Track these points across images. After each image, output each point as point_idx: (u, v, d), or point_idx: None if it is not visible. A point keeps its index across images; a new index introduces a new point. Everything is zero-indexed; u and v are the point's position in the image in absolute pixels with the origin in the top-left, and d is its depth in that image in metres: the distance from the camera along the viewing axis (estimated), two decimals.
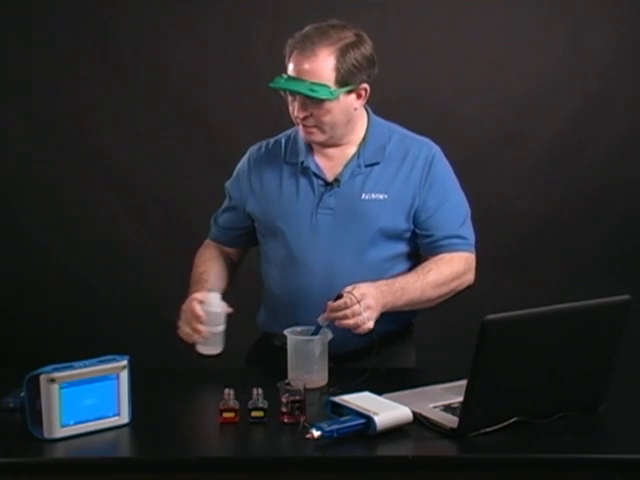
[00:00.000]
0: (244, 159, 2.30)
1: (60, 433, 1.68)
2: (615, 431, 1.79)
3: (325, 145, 2.16)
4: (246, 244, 2.36)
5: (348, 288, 1.96)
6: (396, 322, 2.18)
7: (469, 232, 2.20)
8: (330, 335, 2.00)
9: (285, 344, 2.14)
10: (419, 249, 2.21)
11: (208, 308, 2.04)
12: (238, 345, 2.34)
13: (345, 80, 2.05)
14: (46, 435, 1.68)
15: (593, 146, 3.44)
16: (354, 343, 2.06)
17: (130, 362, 1.77)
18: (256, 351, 2.31)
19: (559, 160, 3.44)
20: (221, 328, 2.07)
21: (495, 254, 3.44)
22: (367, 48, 2.10)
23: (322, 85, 2.03)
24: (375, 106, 3.16)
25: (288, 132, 2.27)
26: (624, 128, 3.43)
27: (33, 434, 1.69)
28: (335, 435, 1.63)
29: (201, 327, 2.03)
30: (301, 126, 2.12)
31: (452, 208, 2.19)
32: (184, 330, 2.07)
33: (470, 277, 2.19)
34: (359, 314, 1.93)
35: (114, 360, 1.76)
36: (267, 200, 2.19)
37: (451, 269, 2.14)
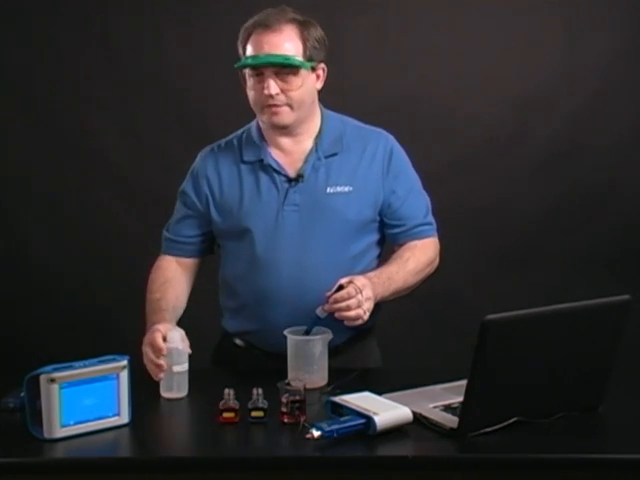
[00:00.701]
0: (197, 163, 2.25)
1: (60, 433, 1.69)
2: (615, 431, 1.79)
3: (287, 133, 2.14)
4: (205, 252, 2.28)
5: (345, 280, 1.96)
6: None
7: (432, 217, 2.25)
8: (330, 335, 2.00)
9: (247, 343, 2.19)
10: (385, 239, 2.22)
11: (170, 345, 1.93)
12: (205, 346, 2.33)
13: (310, 55, 2.08)
14: (46, 435, 1.68)
15: (593, 146, 3.44)
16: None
17: (130, 362, 1.77)
18: (220, 351, 2.29)
19: (559, 160, 3.44)
20: (185, 367, 1.94)
21: (495, 254, 3.46)
22: (320, 30, 2.13)
23: (294, 56, 2.05)
24: (376, 106, 3.17)
25: (238, 133, 2.25)
26: (624, 128, 3.43)
27: (33, 434, 1.69)
28: (335, 435, 1.63)
29: (162, 361, 1.90)
30: (267, 108, 2.09)
31: (418, 195, 2.23)
32: (148, 367, 1.95)
33: (437, 261, 2.24)
34: (361, 305, 1.94)
35: (114, 360, 1.76)
36: (229, 202, 2.16)
37: (426, 256, 2.18)
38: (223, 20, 3.36)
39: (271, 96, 2.06)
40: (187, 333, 1.98)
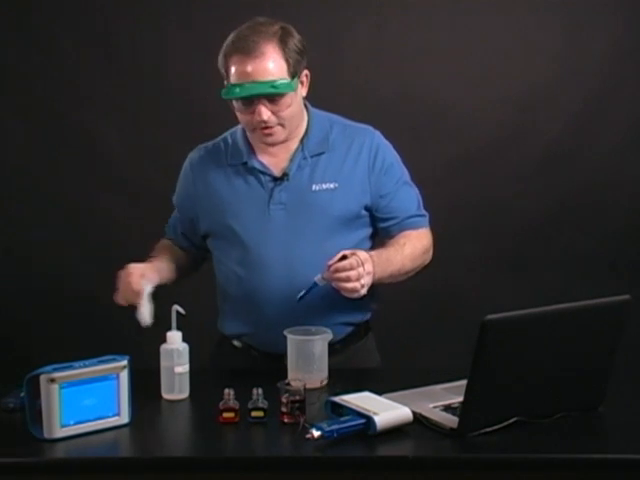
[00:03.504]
0: (186, 168, 2.28)
1: (60, 433, 1.69)
2: (615, 431, 1.79)
3: (281, 142, 2.14)
4: (200, 252, 2.32)
5: (348, 251, 1.96)
6: (356, 316, 2.20)
7: (424, 210, 2.25)
8: (330, 335, 2.00)
9: (244, 344, 2.20)
10: (377, 234, 2.23)
11: (170, 346, 1.94)
12: (203, 347, 2.33)
13: (294, 69, 2.06)
14: (46, 435, 1.68)
15: (593, 146, 3.44)
16: None
17: (130, 362, 1.77)
18: (218, 353, 2.29)
19: (559, 160, 3.44)
20: (186, 368, 1.93)
21: (495, 254, 3.46)
22: (297, 35, 2.10)
23: (280, 80, 2.03)
24: (375, 106, 3.17)
25: (225, 135, 2.26)
26: (624, 128, 3.43)
27: (33, 434, 1.69)
28: (335, 435, 1.63)
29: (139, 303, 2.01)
30: (259, 130, 2.10)
31: (408, 189, 2.23)
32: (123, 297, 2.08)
33: (431, 253, 2.24)
34: (361, 278, 1.94)
35: (114, 360, 1.76)
36: (215, 201, 2.17)
37: (422, 243, 2.18)
38: (223, 20, 3.35)
39: (263, 121, 2.06)
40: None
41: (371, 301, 2.24)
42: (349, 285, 1.94)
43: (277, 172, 2.15)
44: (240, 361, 2.20)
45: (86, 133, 3.45)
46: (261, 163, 2.15)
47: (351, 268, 1.93)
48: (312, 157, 2.14)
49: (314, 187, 2.13)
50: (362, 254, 1.96)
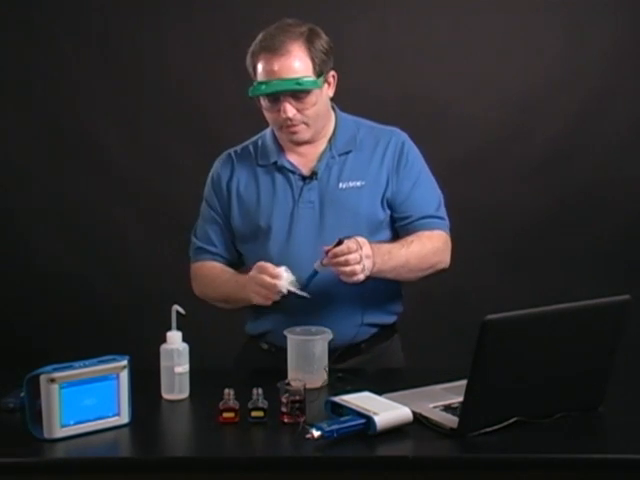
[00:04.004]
0: (215, 168, 2.28)
1: (60, 433, 1.69)
2: (615, 431, 1.79)
3: (307, 142, 2.17)
4: (234, 260, 2.29)
5: (344, 237, 1.97)
6: (381, 317, 2.20)
7: (445, 215, 2.24)
8: (330, 335, 2.00)
9: (271, 345, 2.19)
10: (397, 236, 2.22)
11: (171, 346, 1.93)
12: (227, 348, 2.33)
13: (320, 69, 2.10)
14: (46, 435, 1.68)
15: (593, 146, 3.44)
16: (338, 340, 2.06)
17: (130, 362, 1.77)
18: (244, 355, 2.30)
19: (559, 160, 3.44)
20: (186, 368, 1.94)
21: (495, 254, 3.46)
22: (324, 36, 2.13)
23: (305, 77, 2.06)
24: (375, 106, 3.16)
25: (253, 139, 2.29)
26: (624, 128, 3.43)
27: (33, 434, 1.69)
28: (335, 435, 1.63)
29: (278, 282, 1.97)
30: (284, 128, 2.13)
31: (427, 190, 2.23)
32: (263, 296, 2.03)
33: (447, 258, 2.22)
34: (359, 261, 1.95)
35: (114, 360, 1.76)
36: (246, 202, 2.20)
37: (432, 244, 2.16)
38: (223, 20, 3.36)
39: (288, 118, 2.09)
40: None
41: (397, 304, 2.25)
42: (348, 268, 1.95)
43: (306, 171, 2.18)
44: (267, 362, 2.18)
45: (86, 133, 3.45)
46: (290, 162, 2.18)
47: (349, 251, 1.94)
48: (340, 156, 2.18)
49: (341, 185, 2.15)
50: (360, 238, 1.98)
